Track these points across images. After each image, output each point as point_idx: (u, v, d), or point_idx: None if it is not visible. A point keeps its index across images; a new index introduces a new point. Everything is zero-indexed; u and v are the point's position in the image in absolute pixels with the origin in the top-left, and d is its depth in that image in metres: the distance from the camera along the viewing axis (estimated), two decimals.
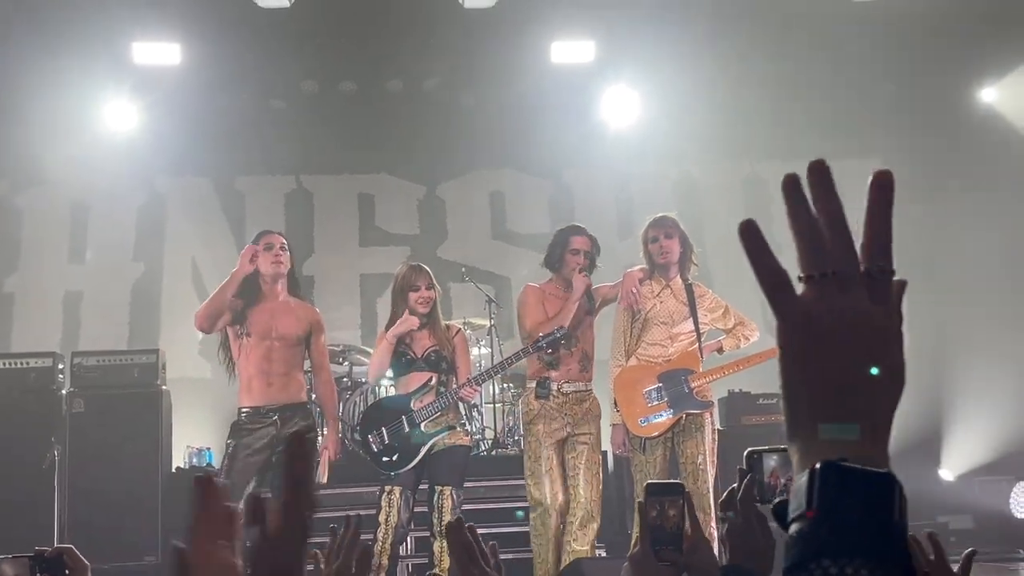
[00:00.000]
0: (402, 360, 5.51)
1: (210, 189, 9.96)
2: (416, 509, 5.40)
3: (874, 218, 0.87)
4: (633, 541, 5.55)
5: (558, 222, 6.06)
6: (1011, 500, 8.44)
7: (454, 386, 5.47)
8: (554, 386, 5.57)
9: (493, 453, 7.94)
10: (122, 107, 9.28)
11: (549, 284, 5.74)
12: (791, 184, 0.86)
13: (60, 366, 7.35)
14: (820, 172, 0.86)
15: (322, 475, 5.25)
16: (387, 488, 5.33)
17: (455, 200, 10.36)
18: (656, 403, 5.52)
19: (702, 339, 5.71)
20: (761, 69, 9.61)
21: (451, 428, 5.48)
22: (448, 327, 5.68)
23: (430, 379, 5.45)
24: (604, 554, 6.32)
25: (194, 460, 7.58)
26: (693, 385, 5.53)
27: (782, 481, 1.67)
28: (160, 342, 8.81)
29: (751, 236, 0.85)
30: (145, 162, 9.61)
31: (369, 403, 6.90)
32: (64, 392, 7.24)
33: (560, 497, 5.50)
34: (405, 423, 5.41)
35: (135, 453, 7.03)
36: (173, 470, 7.41)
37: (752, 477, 1.69)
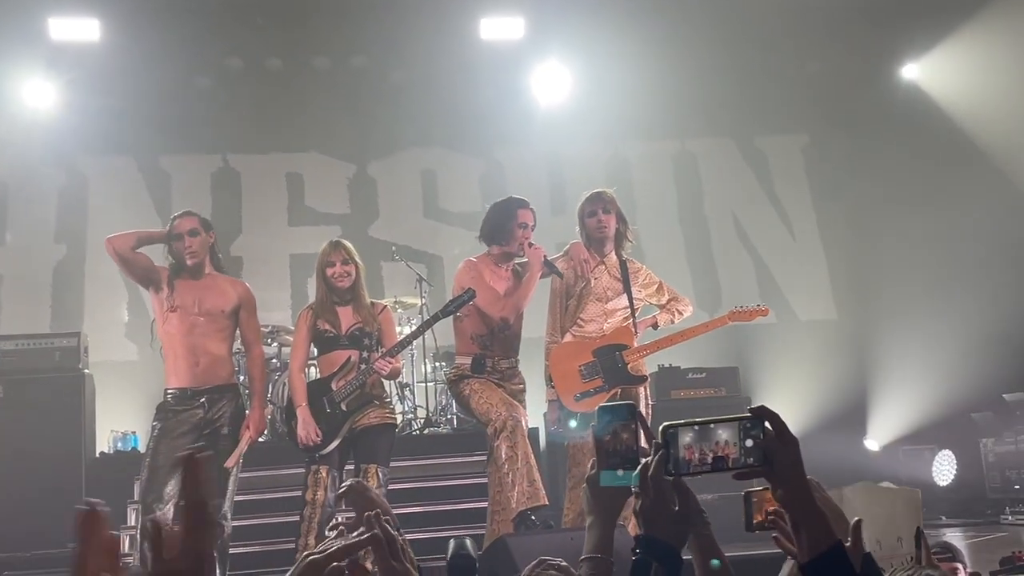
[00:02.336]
0: (325, 337, 5.44)
1: (134, 168, 9.74)
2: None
3: None
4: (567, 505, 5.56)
5: (490, 200, 5.99)
6: (933, 468, 8.66)
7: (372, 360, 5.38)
8: (489, 363, 5.54)
9: (425, 432, 7.91)
10: (40, 85, 9.04)
11: (485, 258, 5.67)
12: None
13: None
14: None
15: (233, 459, 5.11)
16: (313, 468, 5.27)
17: (386, 179, 10.27)
18: (591, 379, 5.53)
19: (636, 315, 5.74)
20: (690, 47, 9.66)
21: (371, 404, 5.40)
22: (374, 304, 5.59)
23: (349, 357, 5.37)
24: None
25: (119, 445, 7.44)
26: (627, 360, 5.56)
27: (696, 456, 1.68)
28: (84, 325, 8.63)
29: None
30: (66, 141, 9.36)
31: None
32: None
33: (523, 413, 5.37)
34: (327, 404, 5.34)
35: (57, 439, 6.89)
36: (97, 455, 7.27)
37: (666, 451, 1.70)
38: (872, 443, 9.21)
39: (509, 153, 10.30)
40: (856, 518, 1.99)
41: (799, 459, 1.68)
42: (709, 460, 1.66)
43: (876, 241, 9.97)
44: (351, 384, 5.33)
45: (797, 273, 10.22)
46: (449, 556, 3.16)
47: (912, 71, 10.40)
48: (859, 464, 8.58)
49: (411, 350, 8.27)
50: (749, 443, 1.65)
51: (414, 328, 8.05)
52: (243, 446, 5.15)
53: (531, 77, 9.85)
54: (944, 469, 8.62)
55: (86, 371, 7.22)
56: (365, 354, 5.40)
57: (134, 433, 7.52)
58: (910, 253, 9.68)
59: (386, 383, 5.77)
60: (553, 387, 5.60)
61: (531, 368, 5.91)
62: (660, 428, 1.72)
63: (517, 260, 5.71)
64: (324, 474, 5.23)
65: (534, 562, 2.42)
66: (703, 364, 8.01)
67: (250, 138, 9.90)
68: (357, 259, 5.51)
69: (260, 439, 5.57)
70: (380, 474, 5.25)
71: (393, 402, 6.13)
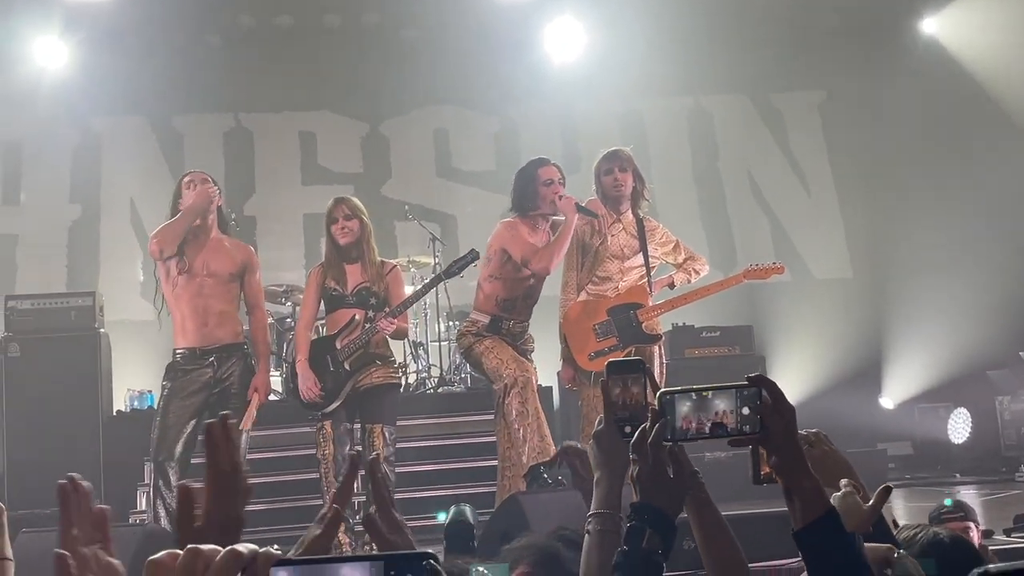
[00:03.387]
0: (331, 295, 5.42)
1: (147, 128, 9.73)
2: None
3: None
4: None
5: (504, 159, 5.98)
6: (948, 426, 8.64)
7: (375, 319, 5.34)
8: (505, 325, 5.53)
9: (439, 391, 7.93)
10: (53, 45, 9.01)
11: (521, 220, 5.52)
12: None
13: None
14: None
15: (247, 421, 5.12)
16: (318, 425, 5.30)
17: (399, 138, 10.22)
18: (605, 337, 5.52)
19: (652, 273, 5.71)
20: (706, 2, 9.54)
21: (375, 364, 5.37)
22: (383, 263, 5.54)
23: (354, 316, 5.33)
24: None
25: (135, 403, 7.49)
26: (642, 318, 5.54)
27: (694, 425, 1.69)
28: (100, 284, 8.66)
29: None
30: (79, 101, 9.35)
31: None
32: (0, 337, 7.10)
33: (531, 369, 5.39)
34: (330, 362, 5.33)
35: (73, 397, 6.93)
36: (114, 413, 7.33)
37: (664, 419, 1.71)
38: (887, 401, 9.19)
39: (523, 111, 10.22)
40: (885, 484, 1.98)
41: (794, 427, 1.70)
42: (707, 428, 1.68)
43: (893, 199, 9.88)
44: (354, 343, 5.30)
45: (813, 231, 10.15)
46: (447, 523, 3.17)
47: (931, 25, 10.24)
48: (874, 422, 8.59)
49: (425, 309, 8.28)
50: (746, 411, 1.67)
51: (423, 285, 8.14)
52: (252, 409, 5.17)
53: (544, 34, 9.76)
54: (959, 427, 8.60)
55: (102, 330, 7.25)
56: (371, 313, 5.35)
57: (150, 392, 7.55)
58: (927, 211, 9.59)
59: (393, 343, 5.75)
60: (567, 345, 5.59)
61: (546, 327, 5.90)
62: (657, 395, 1.73)
63: (555, 218, 5.66)
64: (329, 430, 5.25)
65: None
66: (717, 323, 7.99)
67: (262, 97, 9.87)
68: (363, 215, 5.44)
69: (271, 398, 5.60)
70: (386, 433, 5.26)
71: (398, 361, 6.10)
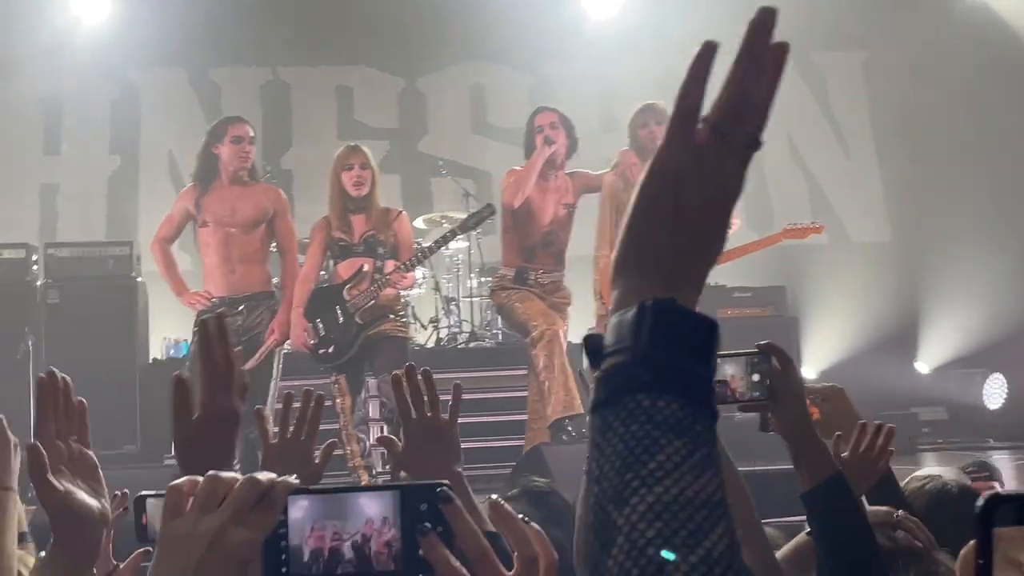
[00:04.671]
0: (339, 246, 5.39)
1: (185, 81, 9.78)
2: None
3: (769, 90, 0.85)
4: None
5: (540, 107, 5.98)
6: (983, 392, 8.56)
7: (387, 272, 5.31)
8: (532, 275, 5.55)
9: (470, 346, 7.97)
10: None
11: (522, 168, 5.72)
12: (757, 29, 0.84)
13: (34, 257, 7.30)
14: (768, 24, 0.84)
15: (254, 360, 5.16)
16: (333, 376, 5.32)
17: (436, 93, 10.20)
18: None
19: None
20: None
21: (386, 318, 5.35)
22: (388, 210, 5.49)
23: (362, 266, 5.29)
24: None
25: (171, 352, 7.60)
26: None
27: (739, 388, 1.71)
28: (139, 235, 8.75)
29: (705, 56, 0.85)
30: (118, 54, 9.40)
31: None
32: (39, 283, 7.20)
33: (561, 325, 5.42)
34: (339, 313, 5.31)
35: (111, 344, 7.04)
36: (150, 361, 7.44)
37: None
38: (923, 366, 9.11)
39: (559, 68, 10.14)
40: (890, 425, 1.98)
41: (802, 394, 1.72)
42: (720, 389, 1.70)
43: (933, 163, 9.71)
44: (365, 295, 5.26)
45: (851, 193, 10.02)
46: None
47: None
48: (909, 387, 8.52)
49: (457, 265, 8.30)
50: (756, 377, 1.70)
51: (459, 244, 8.15)
52: (266, 347, 5.21)
53: None
54: (995, 392, 8.52)
55: (139, 279, 7.35)
56: (379, 263, 5.31)
57: (186, 340, 7.65)
58: (967, 175, 9.43)
59: (426, 299, 5.78)
60: (603, 302, 5.59)
61: (579, 285, 5.91)
62: None
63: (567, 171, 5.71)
64: (344, 383, 5.27)
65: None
66: (751, 283, 7.94)
67: (300, 51, 9.87)
68: (375, 165, 5.43)
69: (290, 348, 5.60)
70: None
71: (408, 316, 6.05)
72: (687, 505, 0.72)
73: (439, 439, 1.82)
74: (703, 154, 0.83)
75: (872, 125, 10.18)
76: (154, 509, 1.59)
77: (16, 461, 2.20)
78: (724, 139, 0.83)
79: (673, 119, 0.85)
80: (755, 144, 0.84)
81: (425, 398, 1.85)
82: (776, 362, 1.71)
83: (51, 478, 1.26)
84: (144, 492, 1.38)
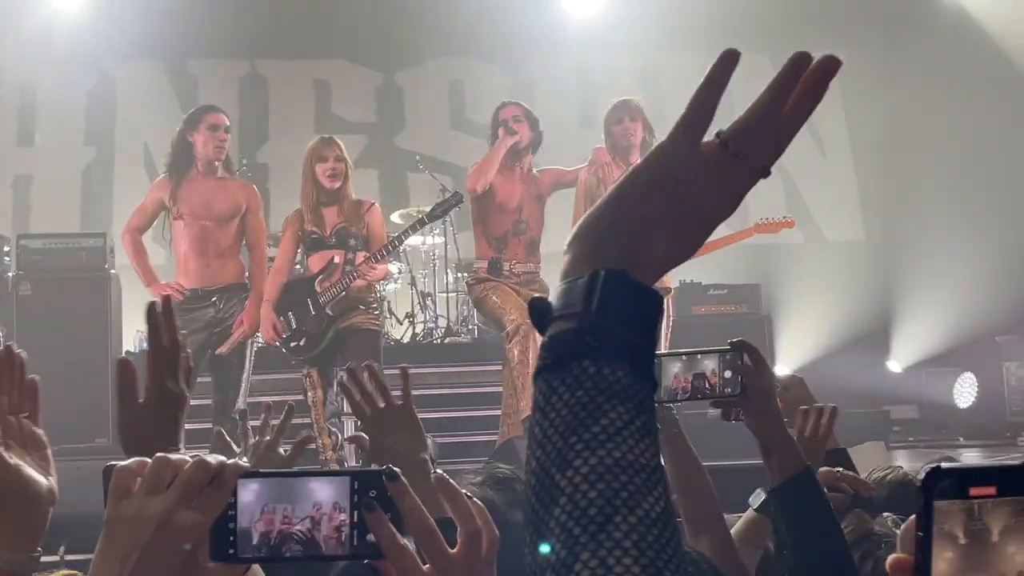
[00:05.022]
0: (311, 239, 5.37)
1: (162, 72, 9.73)
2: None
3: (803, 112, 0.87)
4: None
5: (504, 101, 6.01)
6: (954, 391, 8.64)
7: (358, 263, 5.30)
8: (506, 266, 5.57)
9: (445, 341, 7.97)
10: None
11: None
12: (798, 65, 0.85)
13: (6, 248, 7.24)
14: (806, 61, 0.85)
15: (225, 347, 5.15)
16: (305, 371, 5.32)
17: (414, 88, 10.19)
18: None
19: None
20: None
21: (357, 309, 5.35)
22: (360, 202, 5.48)
23: (333, 258, 5.28)
24: None
25: (144, 345, 7.51)
26: None
27: (681, 384, 1.74)
28: (113, 227, 8.70)
29: (727, 63, 0.86)
30: (95, 44, 9.34)
31: None
32: (10, 275, 7.15)
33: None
34: (311, 306, 5.31)
35: (83, 336, 6.99)
36: (123, 354, 7.38)
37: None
38: (895, 365, 9.18)
39: (538, 64, 10.16)
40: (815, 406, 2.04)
41: (772, 390, 1.76)
42: (690, 389, 1.73)
43: (908, 163, 9.80)
44: (335, 287, 5.24)
45: (826, 193, 10.09)
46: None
47: None
48: (881, 386, 8.58)
49: (433, 260, 8.30)
50: (728, 374, 1.73)
51: (435, 239, 8.14)
52: (235, 338, 5.21)
53: None
54: (965, 391, 8.60)
55: (112, 271, 7.29)
56: (351, 255, 5.29)
57: None
58: (941, 176, 9.51)
59: (402, 293, 5.78)
60: None
61: (554, 282, 5.93)
62: None
63: (536, 172, 5.75)
64: (316, 376, 5.27)
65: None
66: (726, 281, 7.98)
67: (277, 44, 9.84)
68: (348, 157, 5.43)
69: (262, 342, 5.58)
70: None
71: (406, 311, 6.06)
72: (628, 468, 0.73)
73: (402, 427, 1.83)
74: (709, 162, 0.85)
75: (848, 126, 10.25)
76: None
77: None
78: (735, 159, 0.85)
79: (685, 117, 0.86)
80: (764, 172, 0.86)
81: (373, 391, 1.86)
82: (748, 359, 1.74)
83: (0, 451, 1.26)
84: (113, 462, 1.37)
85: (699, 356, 1.76)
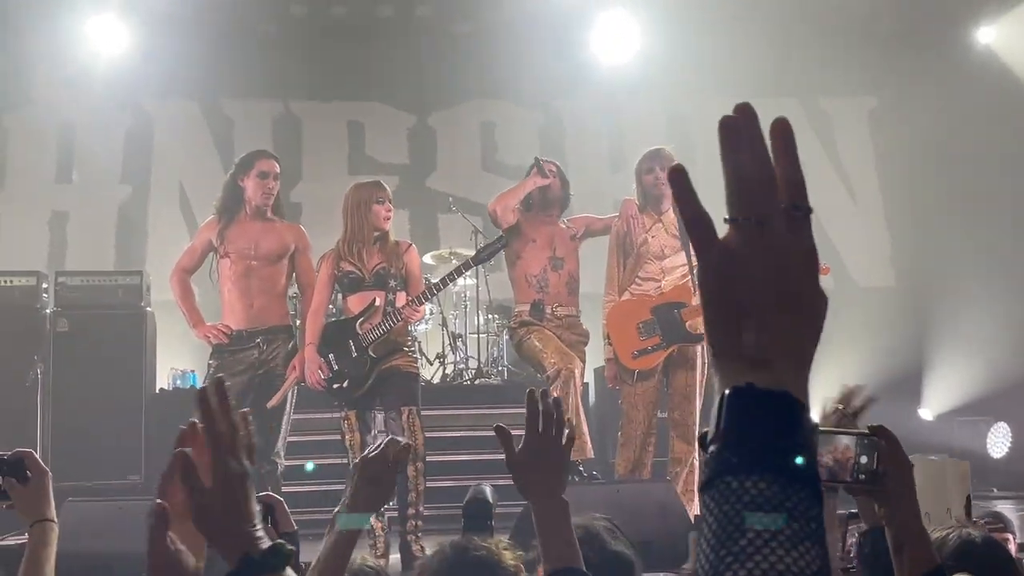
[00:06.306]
0: (349, 278, 5.38)
1: (197, 112, 9.86)
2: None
3: (786, 161, 0.87)
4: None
5: (548, 155, 6.12)
6: (988, 440, 8.54)
7: (399, 305, 5.31)
8: (548, 309, 5.60)
9: (476, 383, 7.98)
10: (109, 27, 9.13)
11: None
12: (726, 127, 0.86)
13: (44, 285, 7.33)
14: (746, 115, 0.86)
15: (276, 398, 5.16)
16: (343, 413, 5.31)
17: (446, 130, 10.28)
18: (649, 336, 5.54)
19: (695, 272, 5.73)
20: (757, 4, 9.49)
21: (400, 351, 5.36)
22: (398, 243, 5.51)
23: (374, 299, 5.27)
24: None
25: (178, 382, 7.61)
26: (686, 318, 5.56)
27: (847, 468, 1.71)
28: (147, 264, 8.79)
29: (678, 181, 0.87)
30: (132, 84, 9.49)
31: None
32: (48, 311, 7.23)
33: (577, 364, 5.46)
34: (353, 348, 5.32)
35: (119, 373, 7.05)
36: (157, 391, 7.44)
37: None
38: (926, 412, 9.11)
39: (569, 107, 10.25)
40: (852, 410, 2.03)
41: (912, 483, 1.72)
42: (826, 472, 1.69)
43: (939, 209, 9.77)
44: (378, 329, 5.25)
45: (857, 238, 10.06)
46: (465, 501, 3.22)
47: (988, 34, 10.11)
48: (912, 433, 8.49)
49: (464, 301, 8.33)
50: (864, 459, 1.69)
51: (467, 280, 8.17)
52: (287, 386, 5.23)
53: (594, 31, 9.75)
54: (999, 441, 8.51)
55: (148, 309, 7.37)
56: (391, 296, 5.31)
57: (193, 371, 7.68)
58: (973, 222, 9.48)
59: (433, 334, 5.80)
60: (611, 344, 5.63)
61: (591, 323, 5.96)
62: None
63: (566, 220, 5.84)
64: (354, 419, 5.26)
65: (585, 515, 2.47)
66: None
67: (312, 85, 9.97)
68: None
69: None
70: (419, 416, 5.23)
71: (436, 351, 6.04)
72: None
73: (548, 458, 1.91)
74: (743, 238, 0.85)
75: (878, 171, 10.25)
76: None
77: (50, 495, 2.22)
78: (759, 225, 0.85)
79: (694, 234, 0.87)
80: (798, 209, 0.86)
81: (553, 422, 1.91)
82: (884, 445, 1.70)
83: (170, 538, 1.28)
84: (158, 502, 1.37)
85: (830, 437, 1.72)
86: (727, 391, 0.82)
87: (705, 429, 0.87)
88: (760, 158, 0.86)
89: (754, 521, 0.77)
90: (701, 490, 0.82)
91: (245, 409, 1.41)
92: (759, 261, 0.84)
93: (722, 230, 0.87)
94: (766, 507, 0.77)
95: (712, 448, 0.82)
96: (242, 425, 1.35)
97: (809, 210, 0.87)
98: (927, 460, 5.72)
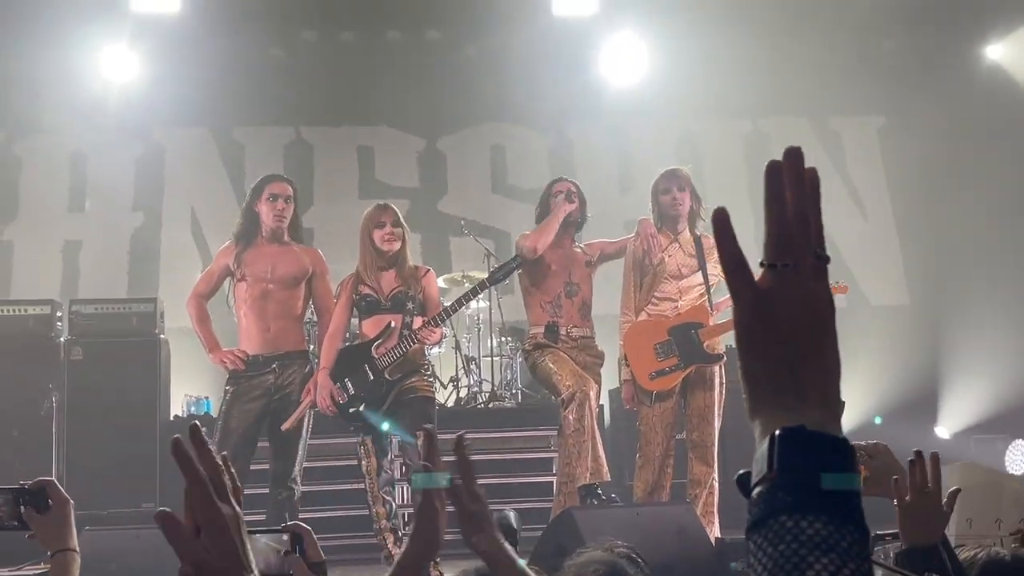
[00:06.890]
0: (367, 301, 5.38)
1: (209, 139, 9.91)
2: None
3: (815, 209, 0.91)
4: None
5: (559, 177, 6.11)
6: (1006, 458, 8.48)
7: (416, 328, 5.29)
8: (563, 330, 5.59)
9: (490, 406, 7.95)
10: (120, 56, 9.19)
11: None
12: (771, 172, 0.90)
13: (58, 314, 7.34)
14: (794, 160, 0.90)
15: (290, 421, 5.14)
16: (359, 438, 5.29)
17: (456, 153, 10.31)
18: (666, 357, 5.52)
19: (712, 292, 5.72)
20: (765, 23, 9.51)
21: (417, 373, 5.35)
22: (416, 268, 5.52)
23: (390, 323, 5.27)
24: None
25: (192, 409, 7.60)
26: (703, 338, 5.54)
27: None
28: (160, 291, 8.81)
29: (721, 225, 0.91)
30: (143, 112, 9.54)
31: None
32: (62, 340, 7.24)
33: (592, 387, 5.43)
34: (369, 370, 5.31)
35: (133, 401, 7.05)
36: (171, 418, 7.43)
37: None
38: (943, 431, 9.05)
39: (578, 129, 10.27)
40: (953, 488, 2.01)
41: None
42: None
43: (952, 226, 9.75)
44: (394, 352, 5.24)
45: (869, 257, 10.03)
46: None
47: (996, 51, 10.12)
48: (929, 451, 8.44)
49: (478, 324, 8.31)
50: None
51: (480, 303, 8.17)
52: (302, 409, 5.21)
53: (602, 53, 9.78)
54: (1017, 459, 8.44)
55: (162, 336, 7.37)
56: (408, 319, 5.31)
57: (207, 398, 7.68)
58: (986, 239, 9.46)
59: (447, 357, 5.77)
60: (628, 366, 5.61)
61: (606, 345, 5.94)
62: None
63: (582, 245, 5.82)
64: (371, 444, 5.24)
65: (602, 543, 2.43)
66: None
67: (323, 111, 10.00)
68: (404, 223, 5.48)
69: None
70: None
71: (450, 375, 6.03)
72: None
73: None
74: (779, 282, 0.88)
75: (889, 189, 10.24)
76: None
77: (72, 524, 2.20)
78: (790, 270, 0.88)
79: (732, 277, 0.90)
80: (820, 258, 0.89)
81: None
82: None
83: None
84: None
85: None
86: (778, 432, 0.82)
87: (743, 471, 0.88)
88: (801, 206, 0.89)
89: (814, 560, 0.77)
90: (750, 530, 0.81)
91: (224, 453, 1.38)
92: (795, 304, 0.87)
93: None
94: (823, 547, 0.78)
95: (759, 489, 0.82)
96: (224, 468, 1.31)
97: (828, 259, 0.91)
98: (985, 468, 5.67)
